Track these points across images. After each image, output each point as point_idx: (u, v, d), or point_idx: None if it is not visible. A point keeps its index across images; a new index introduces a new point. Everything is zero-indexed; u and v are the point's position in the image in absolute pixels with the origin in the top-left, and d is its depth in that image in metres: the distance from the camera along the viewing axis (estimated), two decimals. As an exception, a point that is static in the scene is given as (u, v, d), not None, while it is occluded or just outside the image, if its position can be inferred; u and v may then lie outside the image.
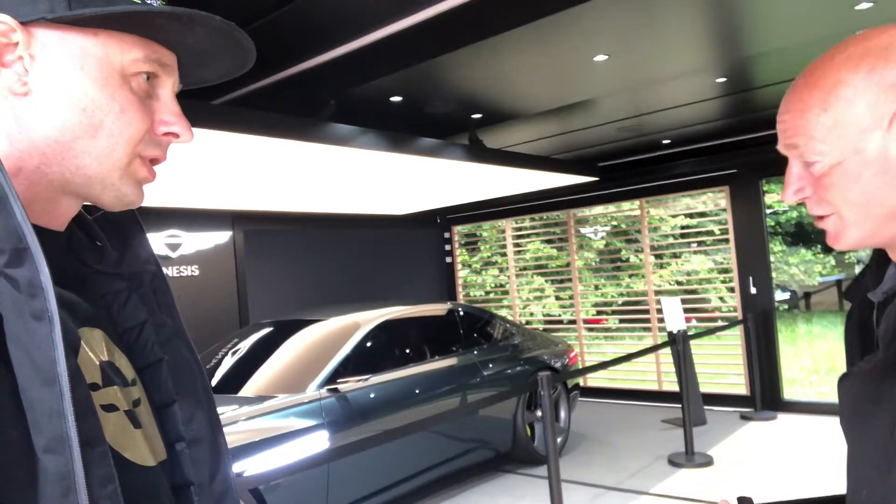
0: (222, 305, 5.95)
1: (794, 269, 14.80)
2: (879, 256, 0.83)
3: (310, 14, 2.87)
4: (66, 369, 0.49)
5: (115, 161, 0.62)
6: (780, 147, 0.79)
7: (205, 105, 3.34)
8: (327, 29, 3.04)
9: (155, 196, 4.69)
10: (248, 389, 3.88)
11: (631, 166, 6.77)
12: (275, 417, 3.48)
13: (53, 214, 0.65)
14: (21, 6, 0.58)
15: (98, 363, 0.63)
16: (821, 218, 0.77)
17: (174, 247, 5.61)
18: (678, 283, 8.02)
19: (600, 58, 3.34)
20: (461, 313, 5.30)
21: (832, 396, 7.34)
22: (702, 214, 7.70)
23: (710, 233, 7.21)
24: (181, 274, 5.64)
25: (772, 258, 6.58)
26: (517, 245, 8.29)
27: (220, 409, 0.77)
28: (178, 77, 0.68)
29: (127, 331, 0.70)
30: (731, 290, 6.64)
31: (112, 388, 0.63)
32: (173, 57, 0.66)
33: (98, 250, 0.71)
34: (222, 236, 6.02)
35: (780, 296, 14.43)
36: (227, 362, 4.31)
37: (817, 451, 4.93)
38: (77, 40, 0.60)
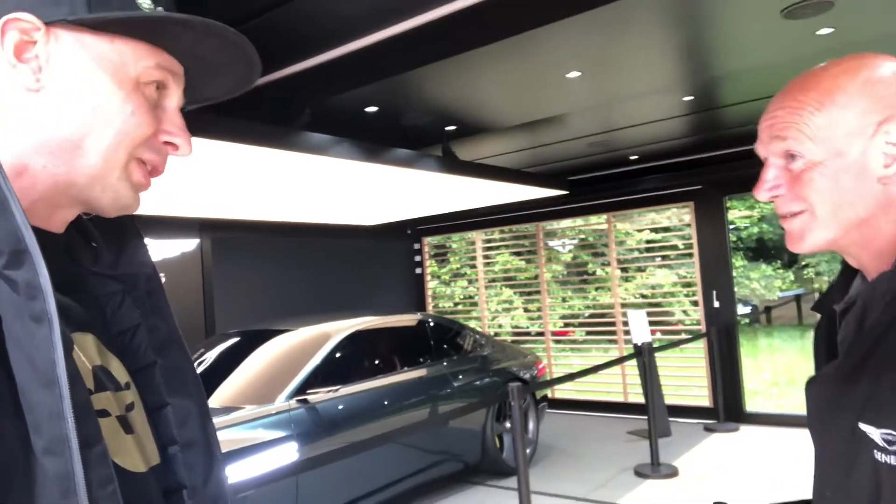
0: (188, 314, 5.84)
1: (754, 283, 15.16)
2: (845, 270, 0.88)
3: (287, 23, 2.87)
4: (66, 371, 0.49)
5: (117, 159, 0.63)
6: (762, 143, 0.82)
7: (177, 111, 3.29)
8: (304, 38, 3.04)
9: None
10: (215, 400, 3.82)
11: (599, 181, 6.88)
12: (243, 429, 3.43)
13: (53, 217, 0.64)
14: (42, 7, 0.59)
15: (90, 368, 0.63)
16: (787, 217, 0.81)
17: (140, 254, 5.49)
18: (643, 296, 8.15)
19: (573, 74, 3.40)
20: (431, 324, 5.30)
21: (792, 408, 7.57)
22: (666, 229, 7.85)
23: (675, 247, 7.35)
24: (146, 282, 5.53)
25: (734, 273, 6.74)
26: (486, 257, 8.34)
27: (207, 405, 0.77)
28: (182, 91, 0.69)
29: (121, 333, 0.70)
30: (695, 303, 6.78)
31: (104, 394, 0.63)
32: (181, 68, 0.67)
33: (93, 251, 0.70)
34: (189, 244, 5.93)
35: (741, 310, 14.76)
36: (194, 372, 4.23)
37: (778, 461, 5.04)
38: (94, 43, 0.61)
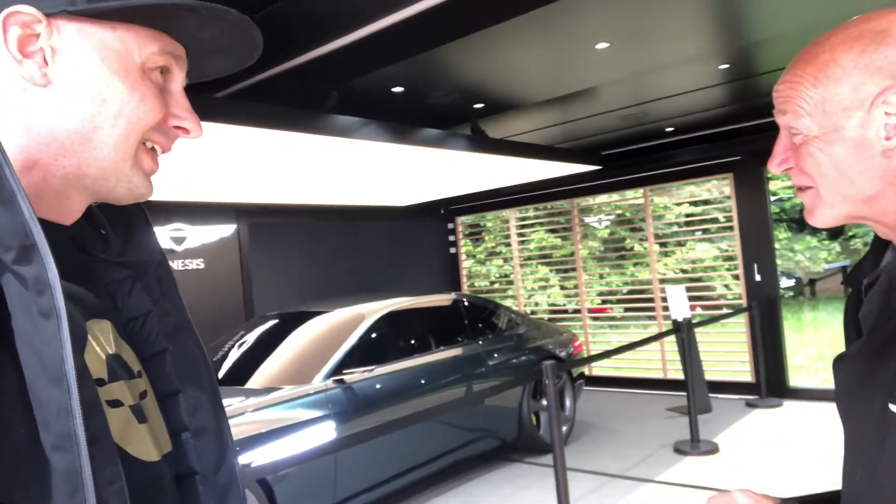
0: (228, 298, 5.97)
1: (799, 255, 14.74)
2: (877, 241, 0.84)
3: (311, 5, 2.87)
4: (74, 367, 0.49)
5: (129, 149, 0.63)
6: (775, 113, 0.82)
7: (207, 98, 3.34)
8: (329, 20, 3.03)
9: (159, 190, 4.69)
10: (254, 381, 3.90)
11: (634, 154, 6.75)
12: (282, 409, 3.50)
13: (63, 209, 0.64)
14: None
15: (104, 357, 0.63)
16: (801, 190, 0.80)
17: (179, 240, 5.63)
18: (683, 271, 8.01)
19: (602, 45, 3.33)
20: (466, 304, 5.31)
21: (838, 383, 7.33)
22: (706, 202, 7.67)
23: (715, 220, 7.19)
24: (186, 267, 5.67)
25: (777, 245, 6.56)
26: (521, 235, 8.29)
27: (227, 401, 0.77)
28: (185, 72, 0.69)
29: (131, 320, 0.70)
30: (736, 277, 6.64)
31: (117, 384, 0.63)
32: (183, 50, 0.67)
33: (102, 239, 0.70)
34: (227, 229, 6.04)
35: (785, 283, 14.40)
36: (234, 354, 4.33)
37: (823, 437, 4.94)
38: (96, 33, 0.60)
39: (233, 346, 4.46)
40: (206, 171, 4.24)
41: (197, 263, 5.75)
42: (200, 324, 0.78)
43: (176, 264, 5.56)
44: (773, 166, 0.81)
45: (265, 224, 6.36)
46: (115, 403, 0.62)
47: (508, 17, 2.84)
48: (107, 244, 0.70)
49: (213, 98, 3.58)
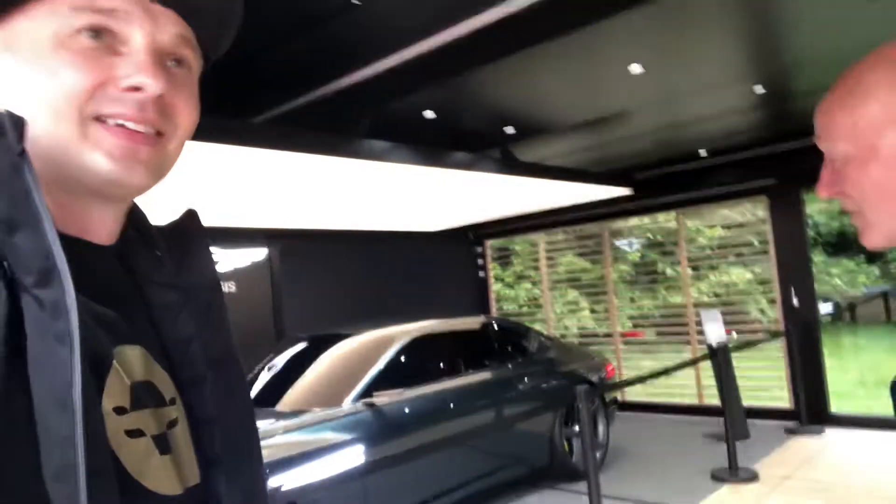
0: (259, 321, 6.02)
1: (835, 279, 14.39)
2: None
3: (344, 33, 2.91)
4: (82, 395, 0.48)
5: (67, 130, 0.57)
6: (816, 141, 0.83)
7: (242, 123, 3.40)
8: (362, 47, 3.08)
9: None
10: (284, 404, 3.90)
11: (667, 178, 6.68)
12: (311, 431, 3.49)
13: (91, 224, 0.62)
14: None
15: (129, 384, 0.60)
16: (852, 214, 0.81)
17: (212, 263, 5.71)
18: (717, 295, 7.86)
19: (635, 69, 3.32)
20: (495, 327, 5.27)
21: (881, 409, 7.15)
22: (740, 225, 7.55)
23: (750, 244, 7.06)
24: (219, 290, 5.74)
25: (813, 269, 6.41)
26: (550, 258, 8.23)
27: (257, 423, 0.74)
28: (163, 26, 0.60)
29: (175, 344, 0.68)
30: (772, 301, 6.49)
31: (141, 412, 0.60)
32: (134, 1, 0.58)
33: (157, 260, 0.69)
34: (258, 253, 6.11)
35: (823, 308, 14.03)
36: (264, 377, 4.35)
37: (867, 465, 4.76)
38: None
39: (263, 368, 4.47)
40: (239, 195, 4.31)
41: (228, 287, 5.82)
42: (231, 346, 0.76)
43: (209, 287, 5.61)
44: (820, 192, 0.82)
45: (296, 248, 6.43)
46: (136, 433, 0.59)
47: (541, 42, 2.85)
48: (160, 266, 0.69)
49: (247, 123, 3.64)
